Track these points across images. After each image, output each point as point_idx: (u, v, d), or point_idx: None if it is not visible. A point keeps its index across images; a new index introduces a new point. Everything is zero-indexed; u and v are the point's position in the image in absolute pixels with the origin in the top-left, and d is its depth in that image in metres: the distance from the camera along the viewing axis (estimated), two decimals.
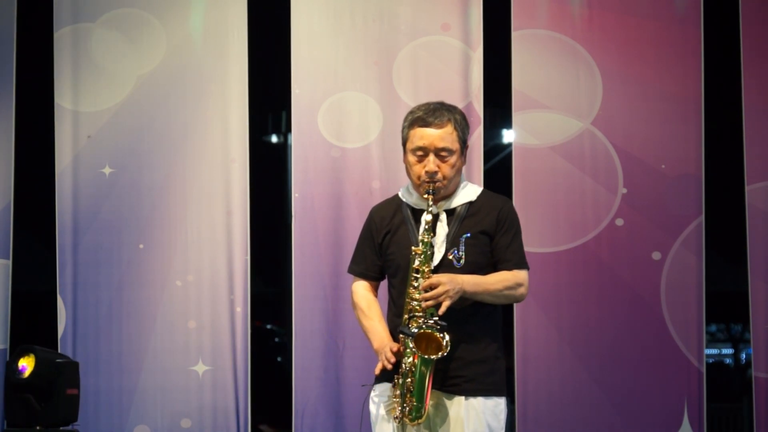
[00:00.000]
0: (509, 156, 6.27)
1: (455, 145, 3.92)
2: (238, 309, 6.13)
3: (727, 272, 6.90)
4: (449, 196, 3.96)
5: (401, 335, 3.81)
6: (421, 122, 3.92)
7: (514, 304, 5.99)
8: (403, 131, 3.98)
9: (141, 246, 6.16)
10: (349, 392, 6.06)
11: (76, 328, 6.12)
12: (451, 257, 3.89)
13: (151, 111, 6.22)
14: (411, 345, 3.77)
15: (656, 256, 6.15)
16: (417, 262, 3.83)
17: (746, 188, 6.20)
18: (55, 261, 6.16)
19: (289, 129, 6.44)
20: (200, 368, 6.12)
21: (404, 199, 4.02)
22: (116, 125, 6.21)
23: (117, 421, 6.10)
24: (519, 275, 3.93)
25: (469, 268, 3.88)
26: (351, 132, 6.21)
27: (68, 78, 6.21)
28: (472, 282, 3.84)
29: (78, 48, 6.23)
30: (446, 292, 3.77)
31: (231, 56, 6.22)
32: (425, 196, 3.89)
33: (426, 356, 3.75)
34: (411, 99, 6.12)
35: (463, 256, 3.89)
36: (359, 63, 6.23)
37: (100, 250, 6.15)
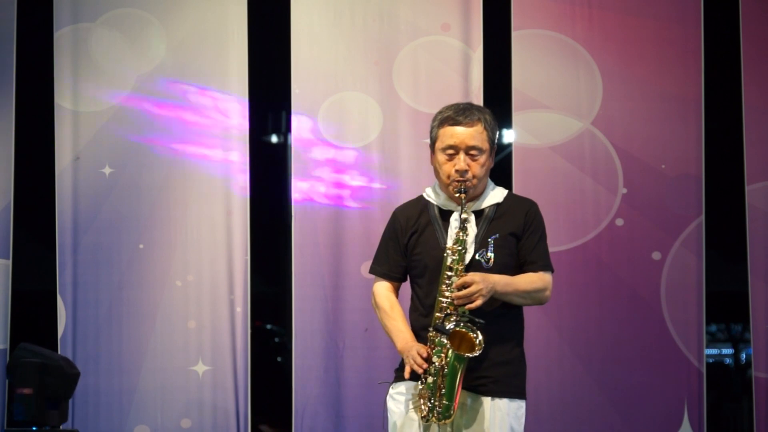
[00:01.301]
0: (509, 156, 6.26)
1: (485, 145, 3.92)
2: (238, 309, 6.13)
3: (727, 272, 6.88)
4: (478, 197, 3.96)
5: (433, 332, 3.80)
6: (451, 121, 3.92)
7: None
8: (432, 131, 3.97)
9: (141, 246, 6.16)
10: (349, 392, 6.06)
11: (76, 328, 6.12)
12: (479, 258, 3.88)
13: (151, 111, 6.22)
14: (446, 342, 3.76)
15: (656, 256, 6.15)
16: (450, 261, 3.83)
17: (746, 188, 6.20)
18: (55, 261, 6.15)
19: (289, 129, 6.43)
20: (200, 368, 6.12)
21: (430, 200, 4.00)
22: (116, 125, 6.21)
23: (117, 421, 6.09)
24: (545, 278, 3.96)
25: (498, 269, 3.88)
26: (351, 132, 6.21)
27: (68, 78, 6.21)
28: (503, 282, 3.85)
29: (78, 48, 6.23)
30: (479, 290, 3.78)
31: (231, 56, 6.22)
32: (457, 195, 3.88)
33: (461, 354, 3.74)
34: (411, 99, 6.12)
35: (492, 257, 3.89)
36: (359, 63, 6.23)
37: (100, 250, 6.15)
